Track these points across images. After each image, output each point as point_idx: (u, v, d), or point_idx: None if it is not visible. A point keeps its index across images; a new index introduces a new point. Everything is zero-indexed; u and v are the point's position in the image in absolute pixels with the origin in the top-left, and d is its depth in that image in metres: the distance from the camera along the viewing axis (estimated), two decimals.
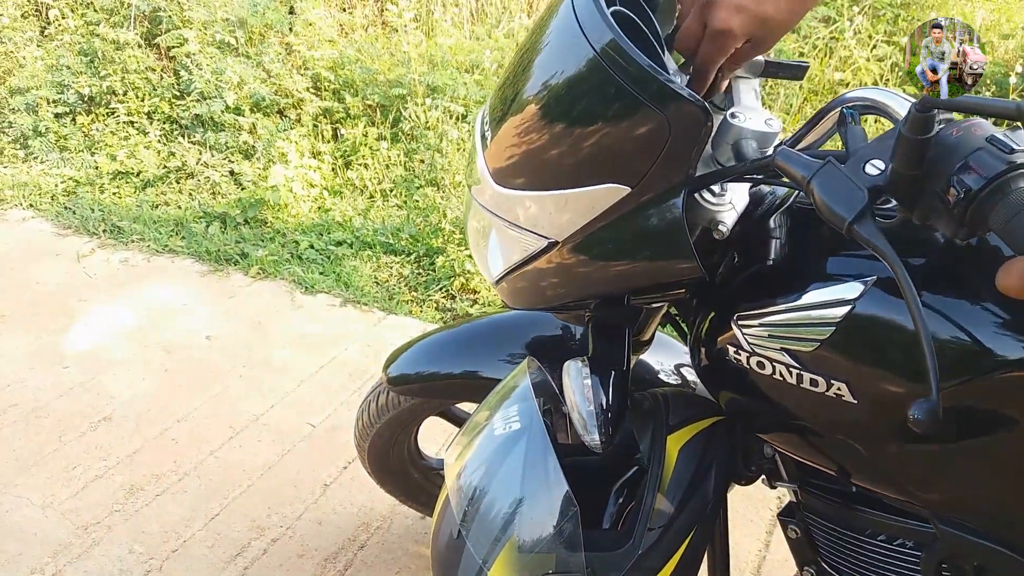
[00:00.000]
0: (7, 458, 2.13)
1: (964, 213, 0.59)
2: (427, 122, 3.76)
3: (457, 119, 3.76)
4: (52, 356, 2.58)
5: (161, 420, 2.29)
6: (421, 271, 3.15)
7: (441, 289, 3.00)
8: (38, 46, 4.40)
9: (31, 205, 3.65)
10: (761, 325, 0.85)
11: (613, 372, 0.98)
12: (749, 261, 0.93)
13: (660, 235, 0.80)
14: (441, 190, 3.56)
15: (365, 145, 3.80)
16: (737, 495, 1.99)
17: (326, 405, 2.37)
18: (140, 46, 4.19)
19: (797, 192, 0.89)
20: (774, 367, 0.85)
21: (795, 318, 0.81)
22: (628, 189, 0.79)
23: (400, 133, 3.90)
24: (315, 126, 3.92)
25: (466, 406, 1.68)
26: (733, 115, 0.83)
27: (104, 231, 3.41)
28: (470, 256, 3.04)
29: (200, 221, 3.46)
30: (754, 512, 1.99)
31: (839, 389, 0.80)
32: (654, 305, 1.07)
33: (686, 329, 1.09)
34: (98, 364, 2.54)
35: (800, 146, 0.99)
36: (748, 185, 0.88)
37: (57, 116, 4.12)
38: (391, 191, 3.66)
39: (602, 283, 0.91)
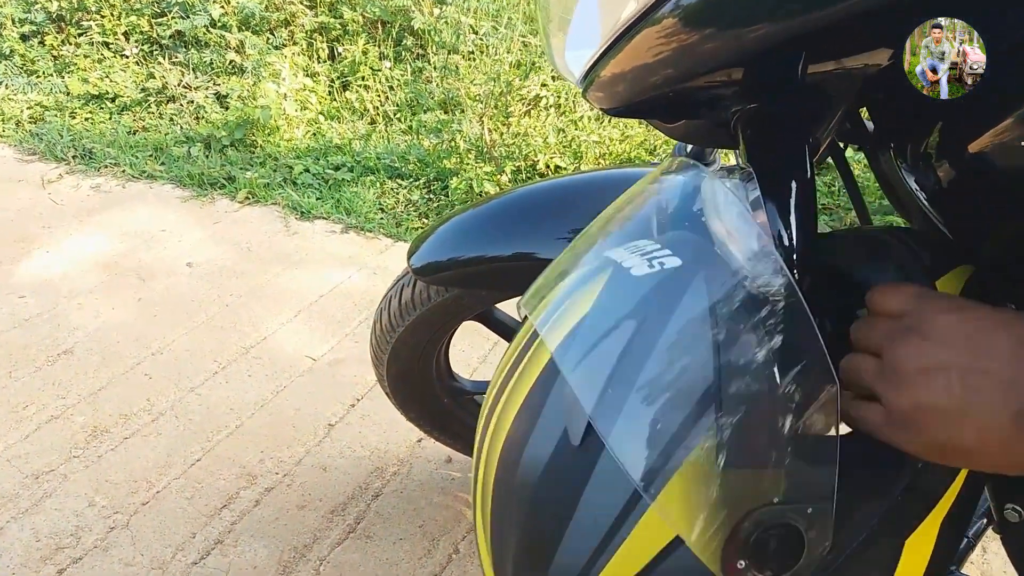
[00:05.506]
0: None
1: None
2: (437, 30, 3.36)
3: (470, 30, 3.37)
4: (7, 285, 2.21)
5: (132, 353, 1.93)
6: (432, 196, 2.78)
7: None
8: None
9: None
10: None
11: (794, 184, 0.58)
12: None
13: None
14: (451, 111, 3.17)
15: (365, 64, 3.41)
16: None
17: (328, 337, 2.01)
18: None
19: None
20: None
21: None
22: None
23: (403, 51, 3.50)
24: (309, 44, 3.53)
25: (509, 309, 1.31)
26: None
27: (74, 156, 3.02)
28: (488, 174, 2.67)
29: (182, 145, 3.08)
30: None
31: None
32: (839, 86, 0.64)
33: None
34: (60, 294, 2.17)
35: None
36: None
37: (23, 37, 3.72)
38: (395, 114, 3.28)
39: (773, 33, 0.50)
